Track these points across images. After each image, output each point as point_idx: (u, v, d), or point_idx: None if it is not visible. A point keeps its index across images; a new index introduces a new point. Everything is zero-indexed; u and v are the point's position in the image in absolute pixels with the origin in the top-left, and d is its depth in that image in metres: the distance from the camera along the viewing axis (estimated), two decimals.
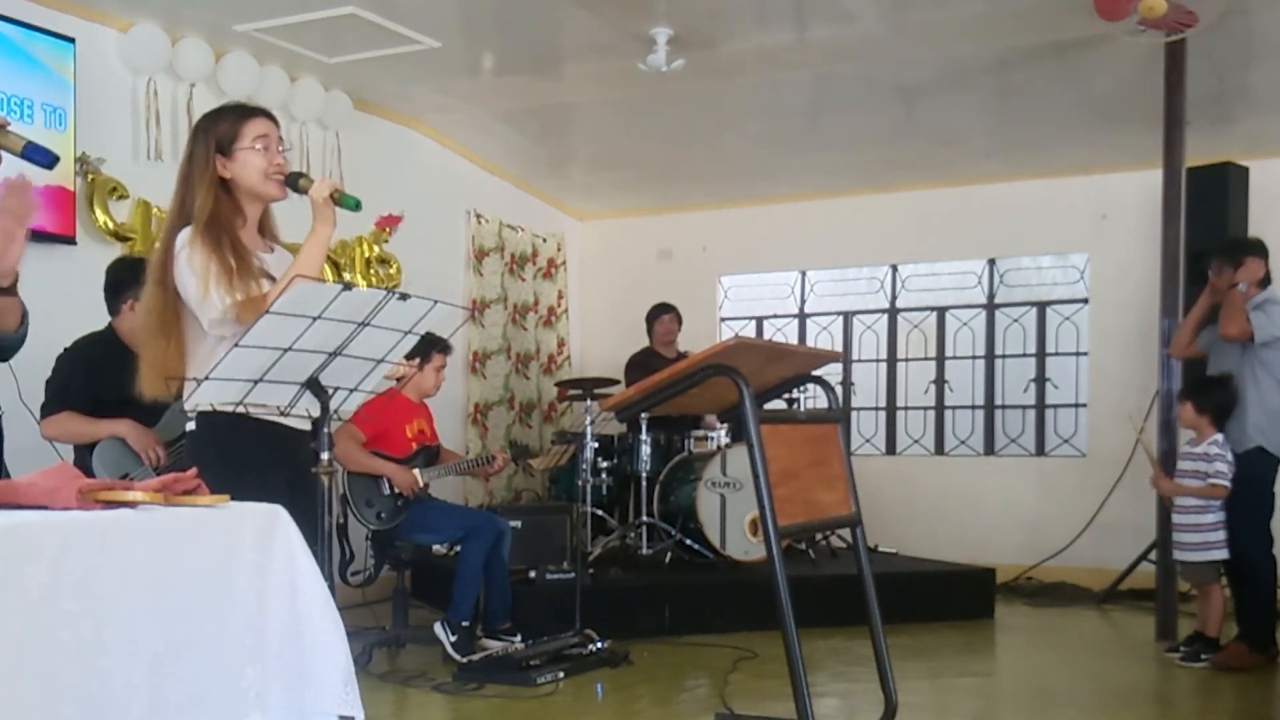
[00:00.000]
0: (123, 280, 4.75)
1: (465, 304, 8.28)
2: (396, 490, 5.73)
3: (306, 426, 3.25)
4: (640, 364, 7.77)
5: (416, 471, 5.79)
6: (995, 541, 8.22)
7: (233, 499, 2.33)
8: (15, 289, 3.02)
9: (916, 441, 9.07)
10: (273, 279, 3.26)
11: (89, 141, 5.76)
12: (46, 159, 2.60)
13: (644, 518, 7.15)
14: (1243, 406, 5.59)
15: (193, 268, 3.19)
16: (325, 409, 3.04)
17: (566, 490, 7.78)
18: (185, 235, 3.24)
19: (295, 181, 3.33)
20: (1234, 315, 5.59)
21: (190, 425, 3.29)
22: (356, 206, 3.29)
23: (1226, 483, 5.53)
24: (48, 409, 4.57)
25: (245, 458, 3.10)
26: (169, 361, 3.24)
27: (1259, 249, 5.81)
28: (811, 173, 8.71)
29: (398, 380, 5.89)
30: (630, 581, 6.69)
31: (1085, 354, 8.49)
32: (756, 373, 3.61)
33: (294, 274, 3.13)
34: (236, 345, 2.80)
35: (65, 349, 4.66)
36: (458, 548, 5.83)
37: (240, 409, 2.98)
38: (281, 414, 3.06)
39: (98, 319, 4.80)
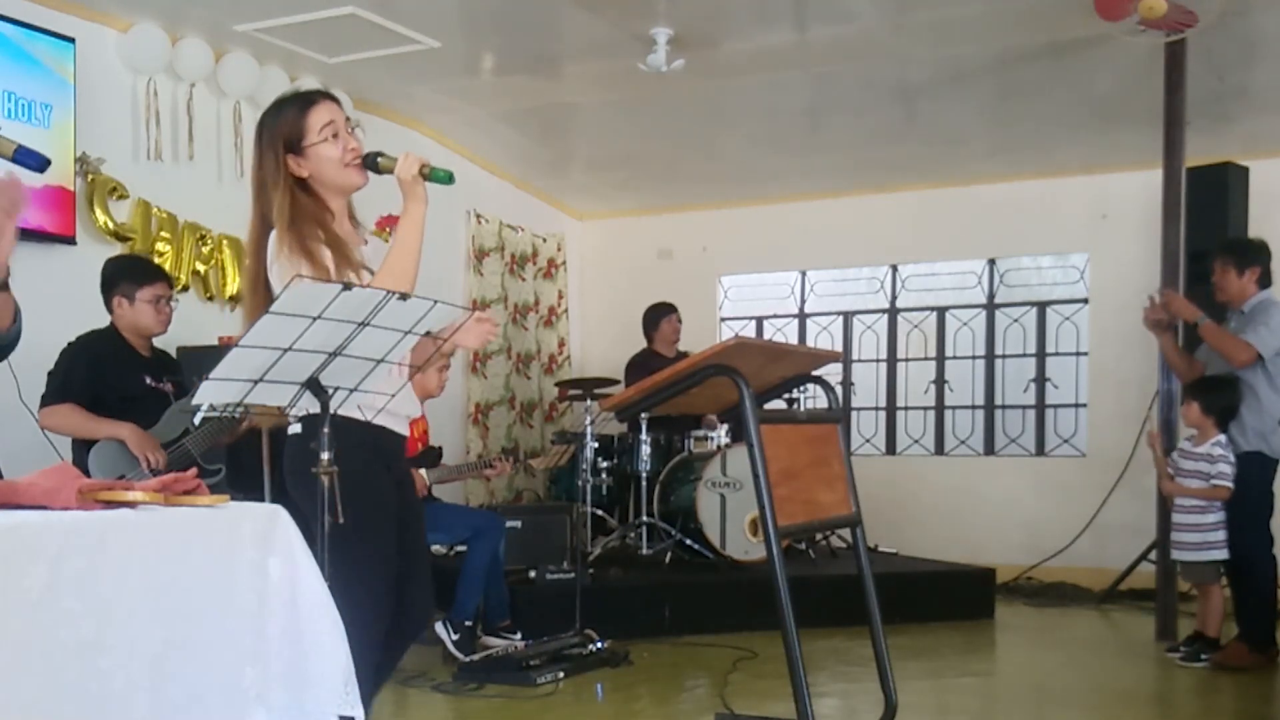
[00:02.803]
0: (111, 278, 4.78)
1: (466, 304, 8.27)
2: None
3: (406, 431, 3.22)
4: (640, 365, 7.76)
5: (423, 472, 5.80)
6: (995, 541, 8.21)
7: (344, 501, 2.31)
8: (7, 285, 3.00)
9: (916, 441, 9.07)
10: (372, 272, 3.12)
11: (89, 141, 5.76)
12: (37, 162, 2.60)
13: (644, 518, 7.14)
14: (1243, 410, 5.59)
15: (283, 276, 2.97)
16: (325, 409, 3.03)
17: (566, 490, 7.78)
18: (273, 241, 3.05)
19: (374, 162, 3.12)
20: (1230, 344, 5.59)
21: (295, 428, 3.16)
22: (449, 179, 3.09)
23: (1229, 484, 5.53)
24: (48, 399, 4.57)
25: (356, 459, 2.97)
26: None
27: (1262, 252, 5.80)
28: (811, 173, 8.71)
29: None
30: (630, 581, 6.68)
31: (1085, 354, 8.49)
32: (756, 373, 3.61)
33: (395, 260, 2.99)
34: (236, 345, 2.80)
35: (69, 343, 4.69)
36: (459, 548, 5.83)
37: (345, 412, 2.90)
38: (281, 414, 3.05)
39: (97, 319, 4.81)
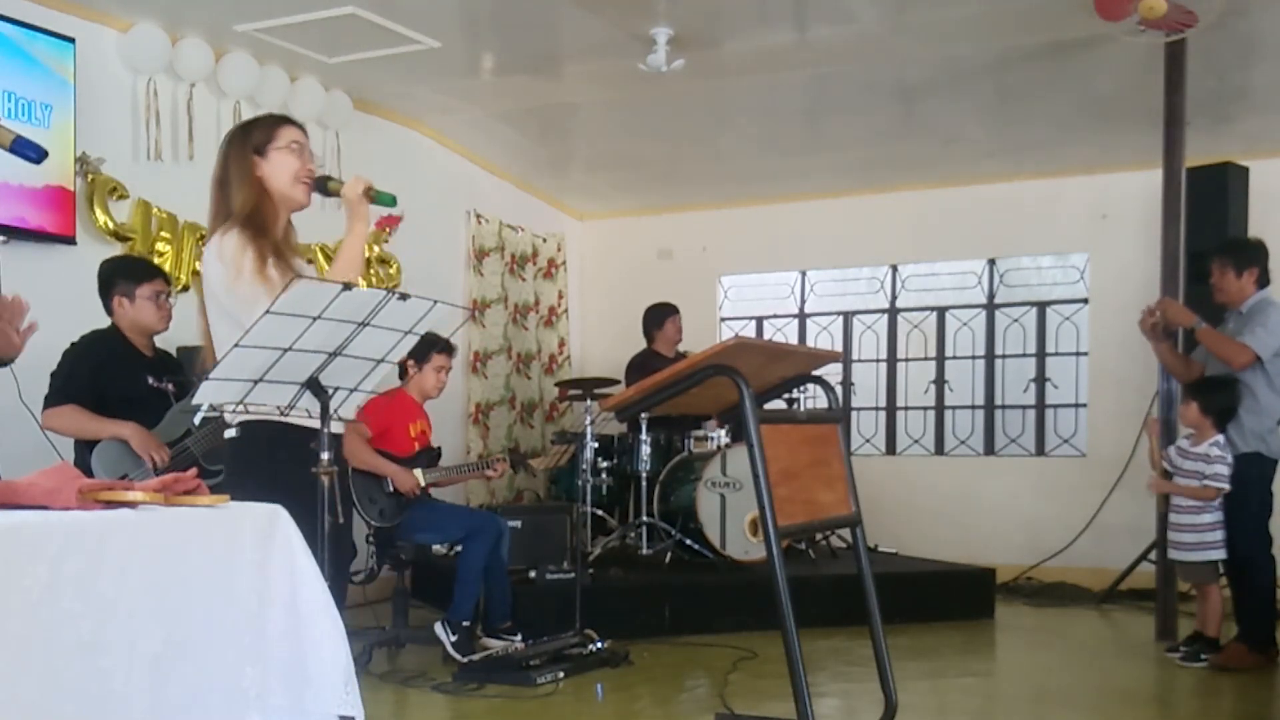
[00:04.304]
0: (109, 278, 4.79)
1: (465, 304, 8.28)
2: (397, 490, 5.74)
3: (341, 430, 3.34)
4: (641, 365, 7.77)
5: (418, 472, 5.80)
6: (995, 541, 8.22)
7: (278, 501, 2.34)
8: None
9: (916, 441, 9.07)
10: None
11: (89, 141, 5.75)
12: (35, 153, 2.61)
13: (644, 518, 7.14)
14: (1242, 411, 5.59)
15: (223, 258, 3.25)
16: (325, 409, 3.04)
17: (566, 490, 7.77)
18: (222, 229, 3.32)
19: (324, 185, 3.42)
20: (1227, 348, 5.59)
21: (231, 433, 3.35)
22: (392, 202, 3.38)
23: (1222, 485, 5.53)
24: (51, 400, 4.58)
25: (288, 461, 3.15)
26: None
27: (1260, 252, 5.80)
28: (811, 173, 8.71)
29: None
30: (630, 581, 6.68)
31: (1085, 354, 8.49)
32: (756, 373, 3.61)
33: (337, 274, 3.21)
34: (237, 345, 2.80)
35: (72, 343, 4.70)
36: (458, 548, 5.84)
37: (283, 416, 3.04)
38: (281, 414, 3.06)
39: (98, 319, 4.81)
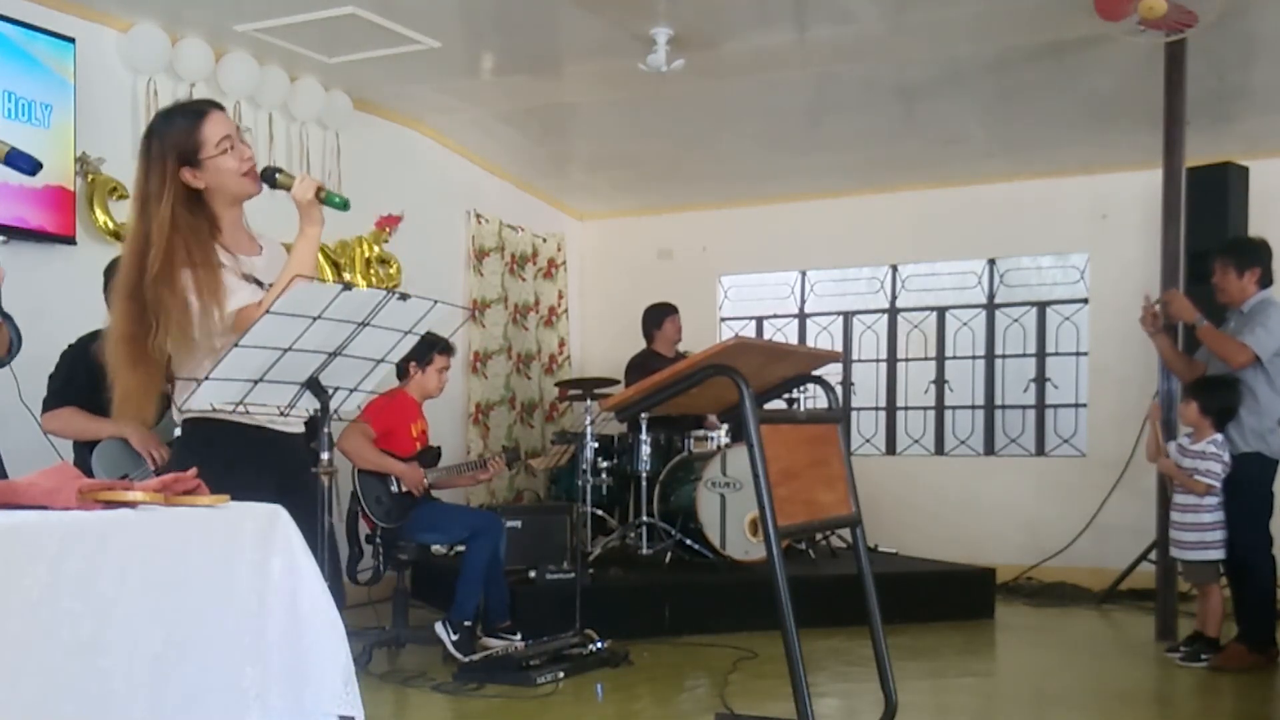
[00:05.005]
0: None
1: (465, 304, 8.28)
2: (404, 489, 5.75)
3: (300, 430, 3.25)
4: (640, 366, 7.76)
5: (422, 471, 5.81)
6: (995, 541, 8.22)
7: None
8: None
9: (916, 441, 9.07)
10: (259, 283, 3.12)
11: (89, 141, 5.75)
12: (29, 165, 2.61)
13: (644, 518, 7.14)
14: (1242, 410, 5.59)
15: (174, 293, 3.00)
16: (325, 409, 3.04)
17: (566, 490, 7.77)
18: (157, 262, 3.02)
19: (271, 177, 3.14)
20: (1228, 347, 5.59)
21: (177, 431, 3.22)
22: (344, 206, 3.15)
23: (1211, 482, 5.53)
24: (50, 403, 4.58)
25: (231, 460, 2.99)
26: (148, 391, 3.11)
27: (1262, 252, 5.80)
28: (811, 173, 8.70)
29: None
30: (630, 581, 6.68)
31: (1085, 354, 8.49)
32: (756, 373, 3.61)
33: (289, 277, 3.06)
34: (236, 345, 2.80)
35: (70, 345, 4.69)
36: (459, 548, 5.84)
37: (229, 413, 2.96)
38: (281, 414, 3.06)
39: (98, 319, 4.77)
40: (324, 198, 3.12)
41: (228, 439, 3.08)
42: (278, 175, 3.14)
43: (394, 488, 5.74)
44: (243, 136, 3.17)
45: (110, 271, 4.85)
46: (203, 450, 3.03)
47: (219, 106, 3.17)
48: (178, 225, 3.02)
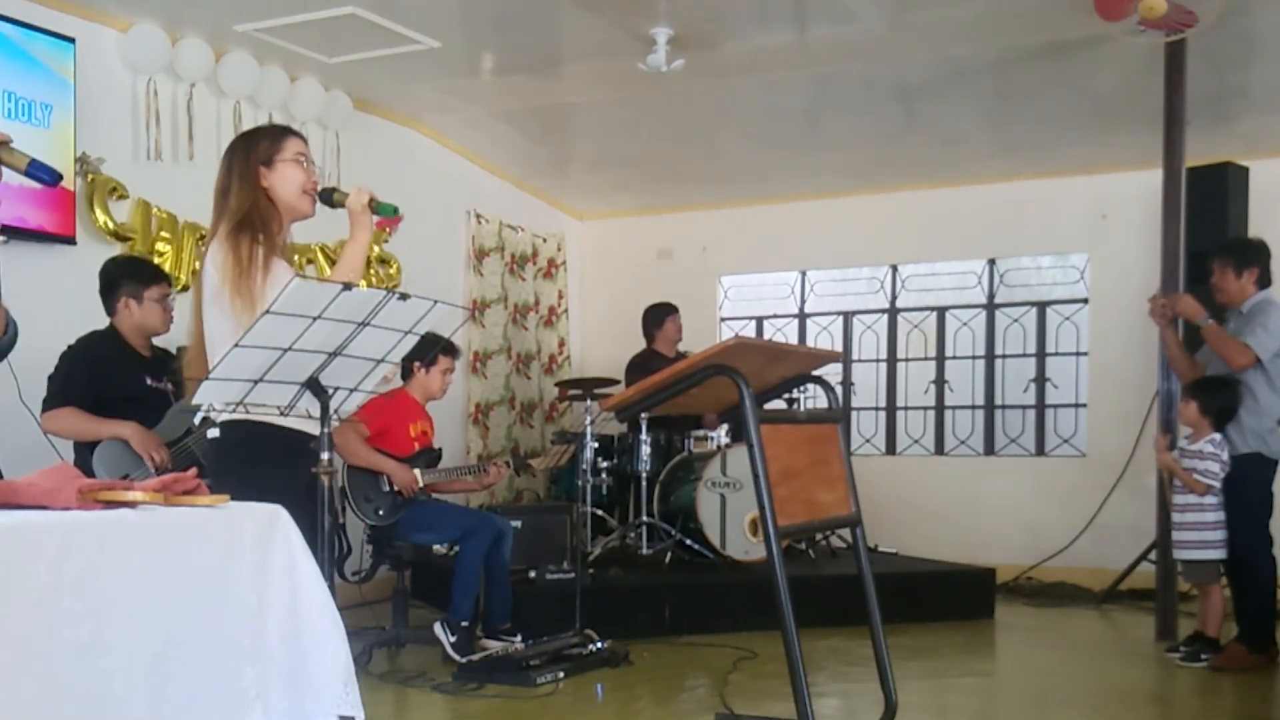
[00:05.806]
0: (115, 279, 4.79)
1: (465, 304, 8.28)
2: (395, 488, 5.74)
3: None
4: (641, 366, 7.77)
5: (416, 471, 5.80)
6: (995, 541, 8.22)
7: (257, 500, 2.34)
8: None
9: (916, 441, 9.07)
10: None
11: (89, 141, 5.75)
12: (50, 176, 2.63)
13: (644, 518, 7.14)
14: (1242, 411, 5.59)
15: (215, 263, 3.30)
16: (325, 409, 3.04)
17: (566, 490, 7.77)
18: (219, 235, 3.36)
19: (329, 196, 3.49)
20: (1230, 347, 5.59)
21: (214, 432, 3.37)
22: (394, 212, 3.45)
23: (1211, 482, 5.53)
24: (49, 403, 4.58)
25: (266, 462, 3.18)
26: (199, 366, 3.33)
27: (1261, 252, 5.80)
28: (811, 173, 8.71)
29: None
30: (630, 581, 6.68)
31: (1085, 354, 8.49)
32: (756, 373, 3.61)
33: (336, 277, 3.27)
34: (237, 345, 2.81)
35: (69, 346, 4.69)
36: (457, 548, 5.83)
37: (264, 417, 3.07)
38: (281, 414, 3.07)
39: (97, 319, 4.81)
40: (376, 207, 3.45)
41: (263, 441, 3.23)
42: (334, 194, 3.50)
43: (385, 486, 5.73)
44: (315, 166, 3.58)
45: (105, 271, 4.87)
46: (239, 451, 3.27)
47: (305, 139, 3.60)
48: (248, 207, 3.39)
